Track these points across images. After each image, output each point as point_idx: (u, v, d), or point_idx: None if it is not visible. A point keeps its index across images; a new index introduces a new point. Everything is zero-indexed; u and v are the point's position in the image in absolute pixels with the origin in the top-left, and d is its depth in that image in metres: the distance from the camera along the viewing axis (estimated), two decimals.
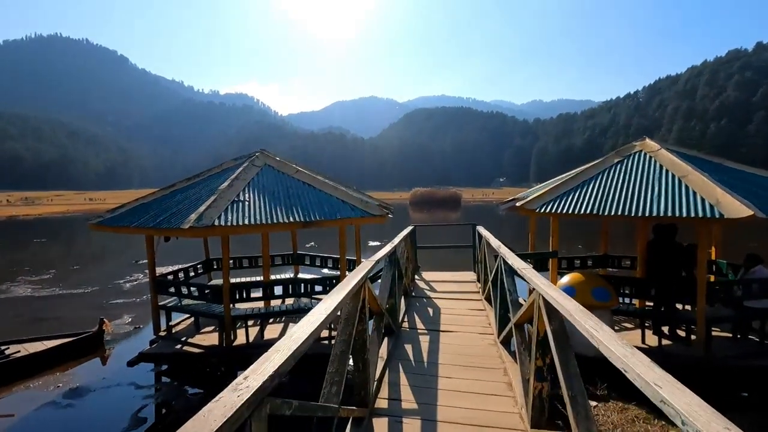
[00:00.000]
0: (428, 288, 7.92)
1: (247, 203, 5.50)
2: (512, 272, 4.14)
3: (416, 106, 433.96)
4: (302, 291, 6.26)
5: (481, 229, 7.54)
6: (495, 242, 5.12)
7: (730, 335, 5.64)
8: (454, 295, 7.23)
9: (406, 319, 5.66)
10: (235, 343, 5.99)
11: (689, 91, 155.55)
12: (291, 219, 5.33)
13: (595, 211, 5.03)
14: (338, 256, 7.56)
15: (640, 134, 7.31)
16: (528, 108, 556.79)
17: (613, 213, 4.88)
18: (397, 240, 5.88)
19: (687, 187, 4.88)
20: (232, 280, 8.50)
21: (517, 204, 5.70)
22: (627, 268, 7.79)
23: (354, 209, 5.70)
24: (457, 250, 11.31)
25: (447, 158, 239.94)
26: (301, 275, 8.74)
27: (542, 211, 5.43)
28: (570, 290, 5.04)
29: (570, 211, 5.21)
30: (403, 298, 6.27)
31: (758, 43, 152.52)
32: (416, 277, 8.90)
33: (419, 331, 5.17)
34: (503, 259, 4.27)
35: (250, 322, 6.32)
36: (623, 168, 5.79)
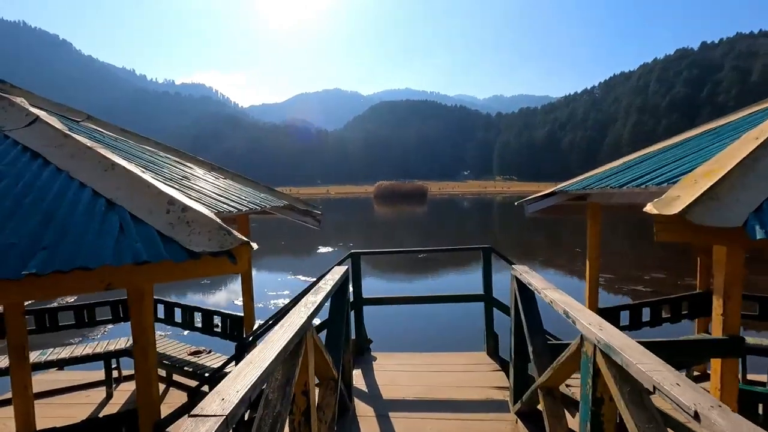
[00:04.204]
0: None
1: None
2: None
3: (381, 99, 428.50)
4: None
5: (520, 273, 2.98)
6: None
7: None
8: None
9: None
10: None
11: (642, 87, 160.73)
12: None
13: None
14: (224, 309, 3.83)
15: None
16: (490, 102, 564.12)
17: None
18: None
19: None
20: None
21: (652, 211, 1.89)
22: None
23: (136, 242, 1.59)
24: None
25: (411, 151, 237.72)
26: None
27: None
28: None
29: None
30: None
31: (703, 42, 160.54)
32: (354, 381, 3.77)
33: None
34: None
35: None
36: None
